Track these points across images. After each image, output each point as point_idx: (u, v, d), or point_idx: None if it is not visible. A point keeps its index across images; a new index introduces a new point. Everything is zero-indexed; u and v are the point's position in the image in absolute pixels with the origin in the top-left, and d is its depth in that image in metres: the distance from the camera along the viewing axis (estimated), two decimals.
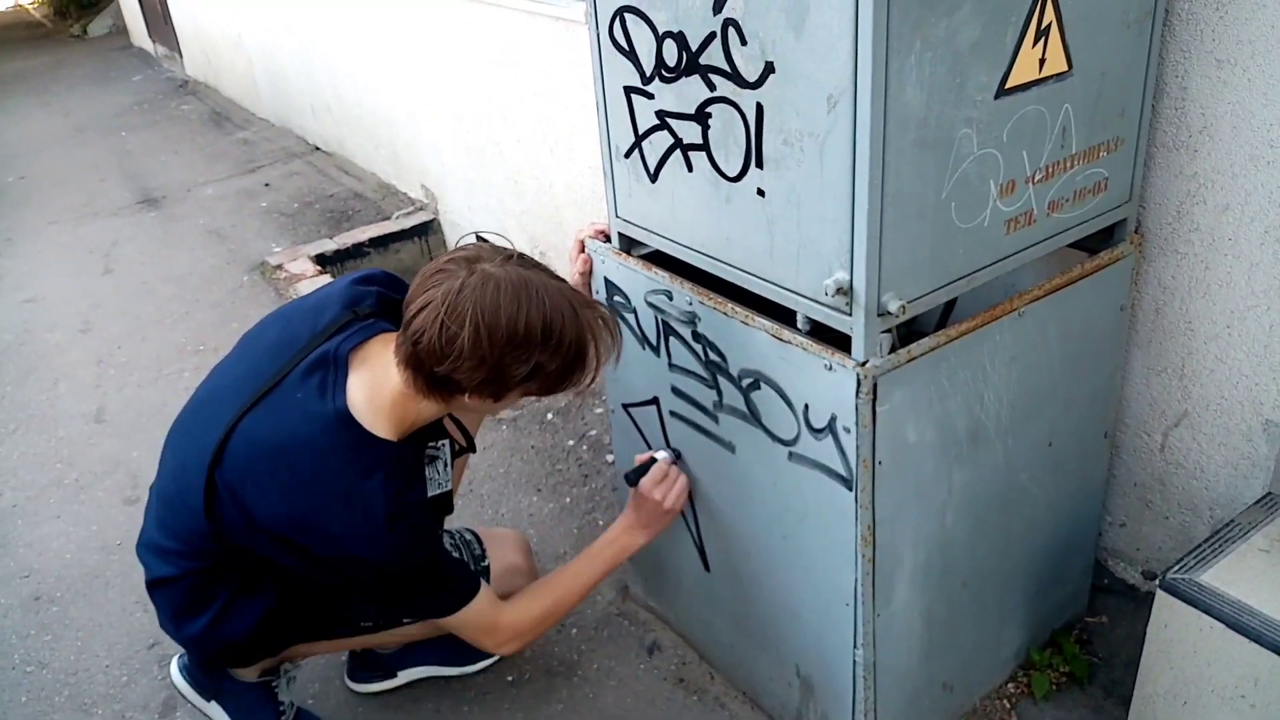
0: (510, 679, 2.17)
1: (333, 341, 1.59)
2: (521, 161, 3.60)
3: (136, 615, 2.44)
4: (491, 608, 1.73)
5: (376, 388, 1.55)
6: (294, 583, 1.71)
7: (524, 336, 1.43)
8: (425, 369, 1.46)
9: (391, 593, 1.67)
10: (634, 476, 1.83)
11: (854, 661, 1.67)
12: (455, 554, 1.93)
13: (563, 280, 1.53)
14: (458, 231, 4.41)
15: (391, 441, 1.55)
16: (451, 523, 1.93)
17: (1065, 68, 1.44)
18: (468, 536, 1.98)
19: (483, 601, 1.71)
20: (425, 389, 1.49)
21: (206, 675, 1.94)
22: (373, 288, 1.71)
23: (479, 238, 1.63)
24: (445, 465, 1.74)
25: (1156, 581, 1.57)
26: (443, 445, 1.71)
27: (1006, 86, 1.37)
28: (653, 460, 1.85)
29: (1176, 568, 1.56)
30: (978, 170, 1.39)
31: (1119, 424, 2.01)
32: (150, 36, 9.05)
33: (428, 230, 4.52)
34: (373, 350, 1.58)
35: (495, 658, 2.16)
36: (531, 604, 1.80)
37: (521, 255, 1.52)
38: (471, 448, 1.94)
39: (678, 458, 1.87)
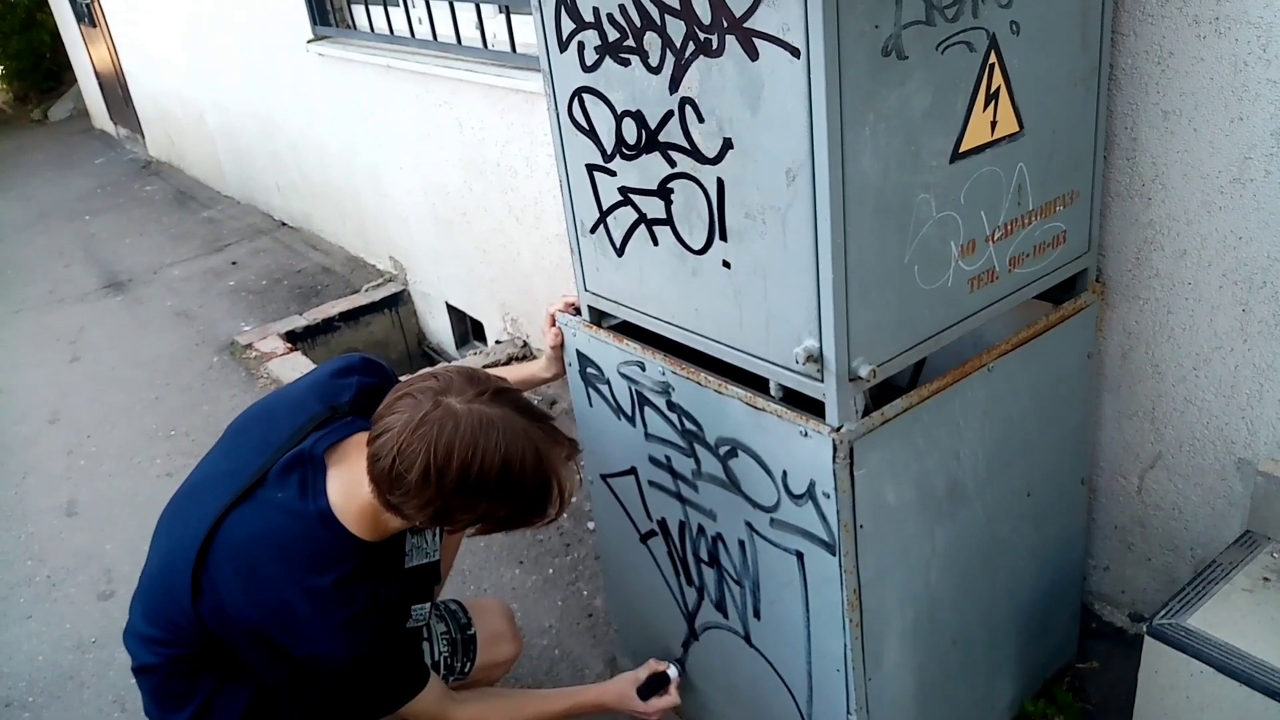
0: None
1: (309, 440, 1.59)
2: (489, 230, 3.61)
3: (114, 716, 2.37)
4: (439, 703, 1.73)
5: (352, 491, 1.54)
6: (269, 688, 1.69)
7: (475, 483, 1.41)
8: (382, 491, 1.46)
9: (345, 687, 1.64)
10: (645, 691, 1.94)
11: None
12: (441, 625, 1.94)
13: (533, 415, 1.49)
14: (428, 302, 4.41)
15: (368, 541, 1.55)
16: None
17: (1016, 128, 1.47)
18: (453, 607, 2.00)
19: (430, 695, 1.70)
20: (386, 506, 1.49)
21: None
22: (351, 379, 1.71)
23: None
24: (434, 534, 1.73)
25: (1144, 627, 1.57)
26: None
27: (960, 150, 1.39)
28: (665, 676, 1.96)
29: (1163, 613, 1.56)
30: (938, 233, 1.41)
31: (1095, 469, 2.02)
32: (112, 119, 9.05)
33: (398, 301, 4.52)
34: (350, 450, 1.58)
35: None
36: (484, 711, 1.81)
37: (497, 390, 1.49)
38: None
39: (681, 669, 2.00)
